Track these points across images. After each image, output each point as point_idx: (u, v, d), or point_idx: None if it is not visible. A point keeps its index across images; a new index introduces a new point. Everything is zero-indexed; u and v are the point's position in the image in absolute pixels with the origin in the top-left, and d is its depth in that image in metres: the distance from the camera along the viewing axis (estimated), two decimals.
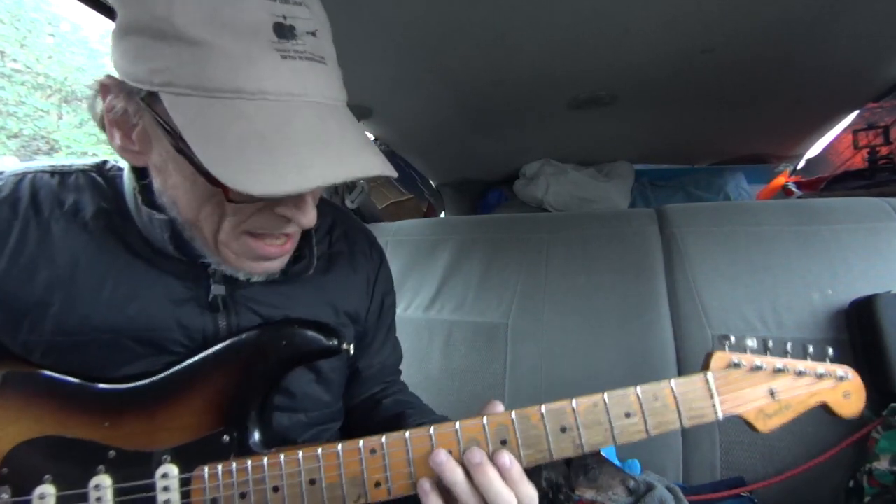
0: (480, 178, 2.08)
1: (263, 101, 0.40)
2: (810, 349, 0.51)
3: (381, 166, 0.44)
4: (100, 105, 0.46)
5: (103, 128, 0.47)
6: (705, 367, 0.49)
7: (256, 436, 0.50)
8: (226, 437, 0.49)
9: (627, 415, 0.46)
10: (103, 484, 0.47)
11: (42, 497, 0.47)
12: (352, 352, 0.57)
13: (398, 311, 0.83)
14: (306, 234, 0.59)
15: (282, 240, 0.51)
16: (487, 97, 1.28)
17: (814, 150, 1.75)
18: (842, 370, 0.51)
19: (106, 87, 0.45)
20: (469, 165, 1.93)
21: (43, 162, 0.56)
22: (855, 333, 0.89)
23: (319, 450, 0.47)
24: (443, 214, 2.10)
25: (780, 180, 1.81)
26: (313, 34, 0.43)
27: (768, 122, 1.51)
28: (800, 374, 0.49)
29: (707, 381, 0.48)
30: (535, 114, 1.42)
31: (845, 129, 1.53)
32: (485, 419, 0.46)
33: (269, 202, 0.46)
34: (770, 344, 0.50)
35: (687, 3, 0.86)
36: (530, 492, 0.45)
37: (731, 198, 1.77)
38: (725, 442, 0.94)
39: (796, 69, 1.13)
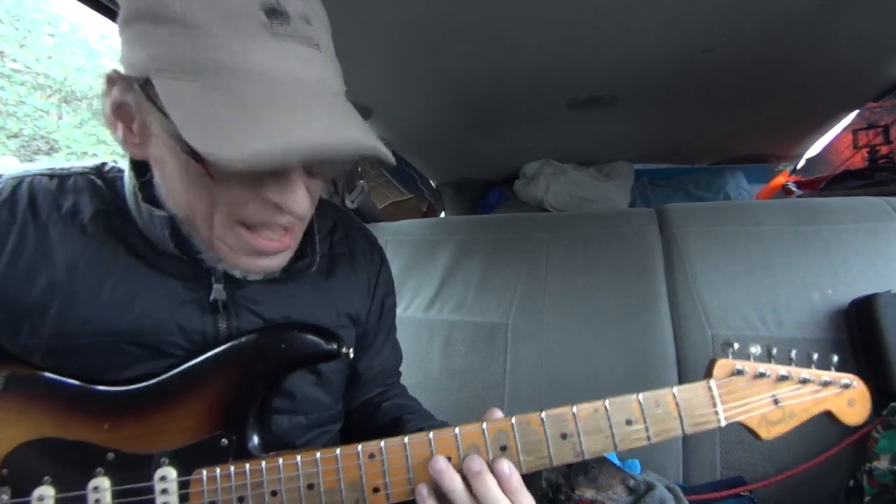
0: (480, 178, 2.08)
1: (249, 75, 0.40)
2: (815, 356, 0.50)
3: (367, 142, 0.42)
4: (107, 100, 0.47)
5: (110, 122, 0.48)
6: (708, 374, 0.49)
7: (255, 439, 0.50)
8: (224, 441, 0.49)
9: (629, 422, 0.46)
10: (102, 486, 0.47)
11: (41, 498, 0.47)
12: (351, 355, 0.57)
13: (398, 311, 0.83)
14: (309, 232, 0.58)
15: (278, 234, 0.50)
16: (487, 97, 1.28)
17: (814, 150, 1.75)
18: (847, 378, 0.50)
19: (112, 80, 0.46)
20: (469, 165, 1.93)
21: (42, 165, 0.56)
22: (855, 333, 0.89)
23: (318, 454, 0.47)
24: (443, 214, 2.10)
25: (780, 180, 1.80)
26: (307, 20, 0.43)
27: (768, 122, 1.51)
28: (804, 381, 0.49)
29: (710, 389, 0.48)
30: (535, 114, 1.42)
31: (845, 129, 1.53)
32: (484, 425, 0.46)
33: (255, 186, 0.44)
34: (774, 351, 0.49)
35: (687, 3, 0.86)
36: (528, 502, 0.45)
37: (731, 198, 1.76)
38: (725, 442, 0.94)
39: (796, 69, 1.12)
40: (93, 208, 0.52)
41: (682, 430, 0.47)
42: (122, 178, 0.54)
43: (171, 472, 0.47)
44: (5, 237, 0.49)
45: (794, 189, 1.66)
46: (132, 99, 0.45)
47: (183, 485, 0.47)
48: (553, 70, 1.12)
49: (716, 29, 0.95)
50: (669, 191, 1.86)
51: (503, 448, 0.46)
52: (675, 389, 0.47)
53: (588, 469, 0.80)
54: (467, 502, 0.44)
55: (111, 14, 0.82)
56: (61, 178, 0.54)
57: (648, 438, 0.46)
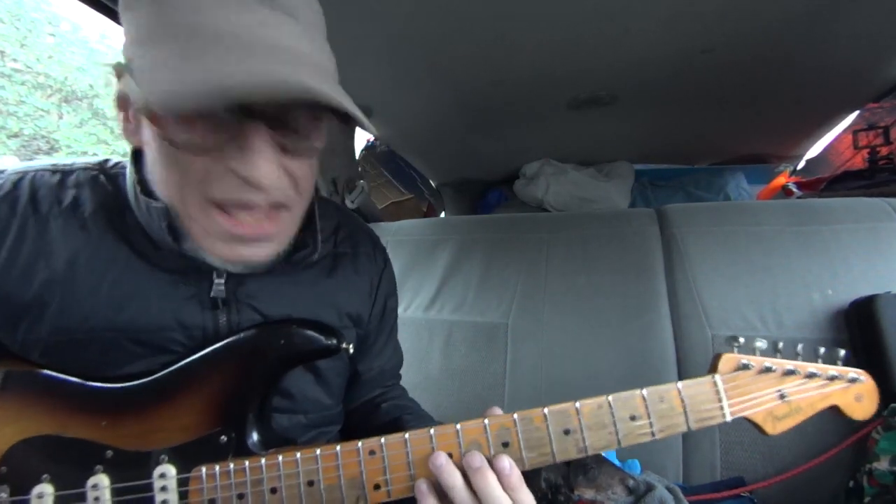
0: (480, 178, 2.08)
1: (216, 37, 0.40)
2: (821, 351, 0.50)
3: (318, 89, 0.39)
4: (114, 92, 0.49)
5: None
6: (713, 368, 0.48)
7: (255, 436, 0.50)
8: (224, 438, 0.48)
9: (633, 417, 0.46)
10: (101, 483, 0.47)
11: (40, 496, 0.46)
12: (351, 351, 0.57)
13: (398, 311, 0.83)
14: (309, 224, 0.58)
15: (256, 218, 0.48)
16: (487, 97, 1.28)
17: (814, 151, 1.75)
18: (854, 372, 0.49)
19: (118, 72, 0.47)
20: (469, 165, 1.93)
21: (46, 161, 0.56)
22: (855, 333, 0.89)
23: (318, 451, 0.46)
24: (443, 214, 2.10)
25: (780, 180, 1.80)
26: None
27: (768, 122, 1.51)
28: (811, 376, 0.48)
29: (715, 384, 0.47)
30: (535, 114, 1.42)
31: (845, 130, 1.53)
32: (486, 421, 0.46)
33: (218, 156, 0.43)
34: (780, 346, 0.49)
35: (687, 3, 0.86)
36: (528, 499, 0.45)
37: (731, 198, 1.77)
38: (725, 442, 0.93)
39: (796, 69, 1.13)
40: (94, 204, 0.52)
41: (688, 425, 0.46)
42: (124, 174, 0.54)
43: (170, 470, 0.47)
44: (5, 232, 0.49)
45: (794, 190, 1.65)
46: (126, 86, 0.45)
47: (182, 482, 0.47)
48: (553, 70, 1.12)
49: (716, 29, 0.95)
50: (669, 191, 1.86)
51: (505, 444, 0.45)
52: (680, 384, 0.46)
53: (587, 469, 0.80)
54: (467, 499, 0.43)
55: (111, 14, 0.82)
56: (64, 174, 0.54)
57: (653, 434, 0.45)
